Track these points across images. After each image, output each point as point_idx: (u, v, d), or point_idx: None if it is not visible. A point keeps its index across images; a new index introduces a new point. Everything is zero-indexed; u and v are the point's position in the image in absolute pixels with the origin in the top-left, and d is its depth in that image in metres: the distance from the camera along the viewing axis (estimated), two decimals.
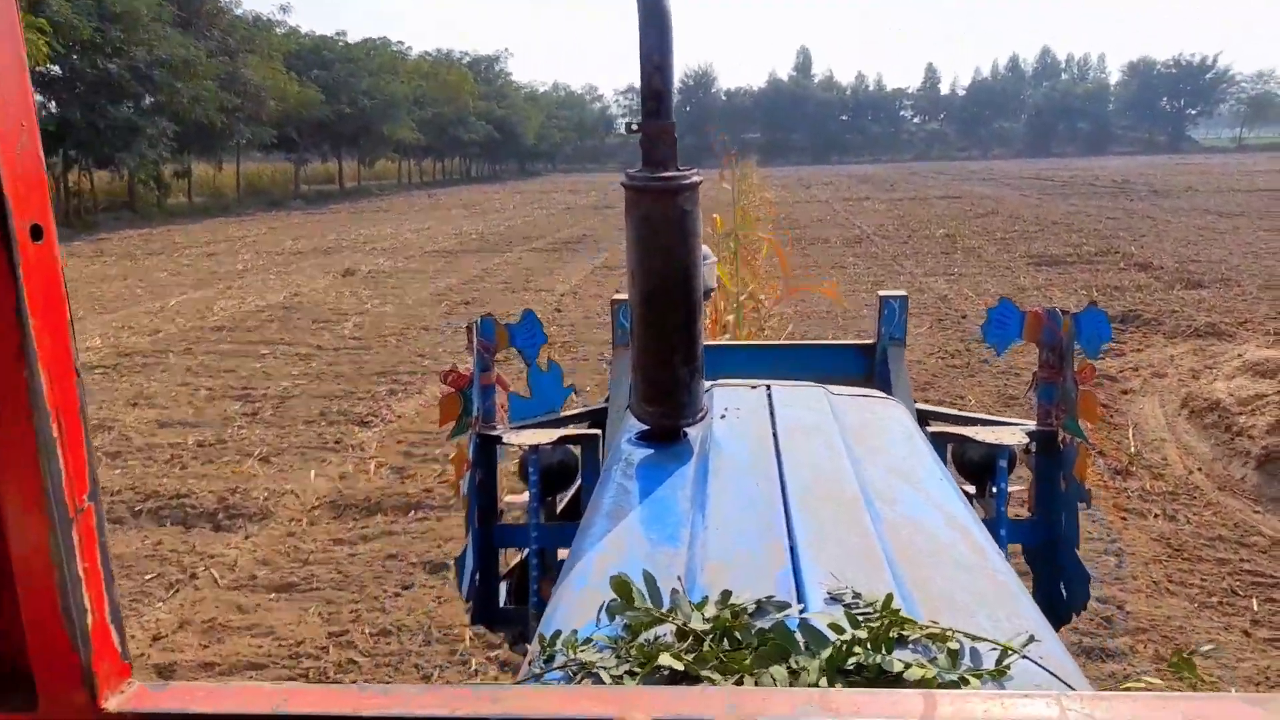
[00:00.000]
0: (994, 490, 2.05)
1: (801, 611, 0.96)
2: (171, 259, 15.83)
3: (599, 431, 2.24)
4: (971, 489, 2.19)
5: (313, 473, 4.98)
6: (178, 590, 3.69)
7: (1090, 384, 2.03)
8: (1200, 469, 4.69)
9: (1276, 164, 42.54)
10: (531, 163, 72.37)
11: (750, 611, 0.93)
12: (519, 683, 0.94)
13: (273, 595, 3.65)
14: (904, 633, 0.89)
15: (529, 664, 0.99)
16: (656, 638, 0.90)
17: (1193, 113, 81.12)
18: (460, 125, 48.58)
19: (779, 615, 0.93)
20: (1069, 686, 0.88)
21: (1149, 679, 1.52)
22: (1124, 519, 4.05)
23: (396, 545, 4.05)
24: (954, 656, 0.85)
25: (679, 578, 1.07)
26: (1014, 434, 2.06)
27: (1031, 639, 0.89)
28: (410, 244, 17.64)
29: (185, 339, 8.69)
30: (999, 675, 0.84)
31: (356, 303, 10.66)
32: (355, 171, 44.96)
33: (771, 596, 0.96)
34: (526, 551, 2.19)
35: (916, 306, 9.44)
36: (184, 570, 3.86)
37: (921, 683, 0.79)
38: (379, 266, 13.98)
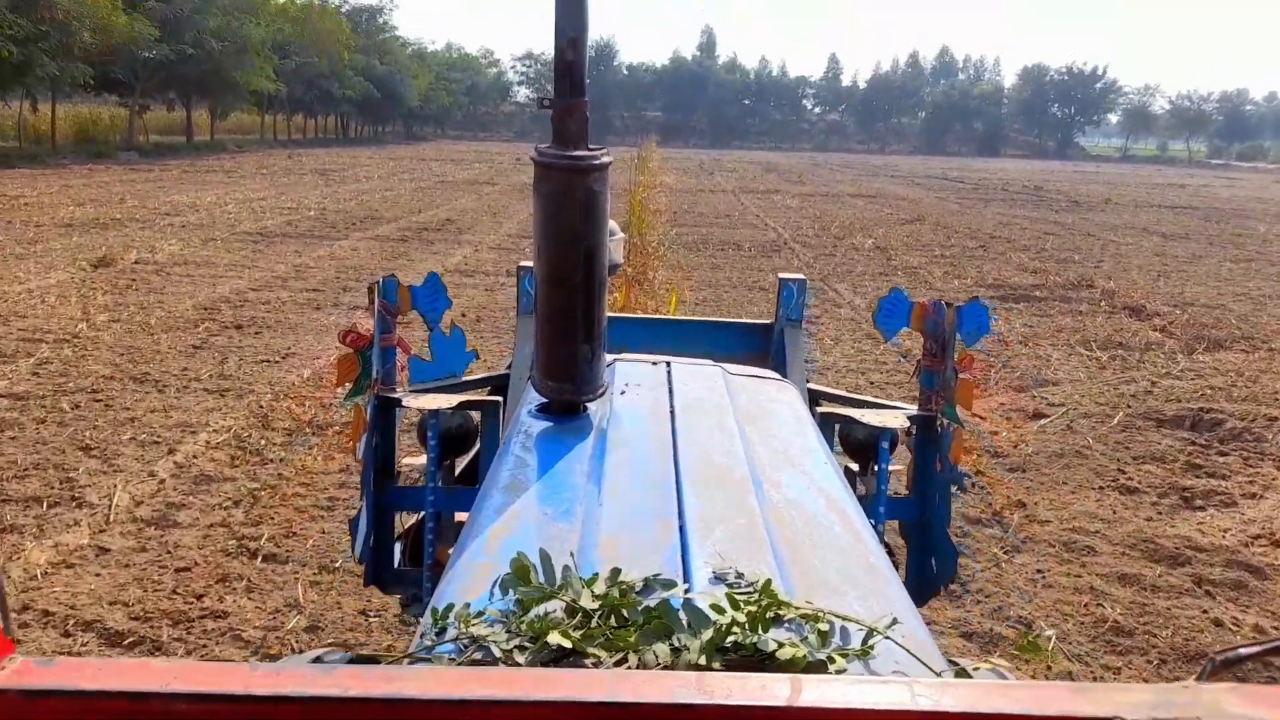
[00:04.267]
0: (876, 469, 2.13)
1: (686, 591, 0.99)
2: None
3: (500, 399, 2.20)
4: (855, 467, 2.29)
5: None
6: None
7: (968, 373, 2.09)
8: None
9: (1168, 177, 42.62)
10: (419, 126, 67.56)
11: (638, 589, 0.97)
12: (411, 653, 0.95)
13: None
14: (780, 613, 0.92)
15: (420, 636, 0.98)
16: (547, 613, 0.92)
17: (1081, 120, 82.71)
18: (333, 79, 43.82)
19: (665, 594, 0.96)
20: (927, 665, 0.92)
21: (997, 660, 1.11)
22: None
23: None
24: (824, 637, 0.90)
25: (571, 553, 1.09)
26: (896, 417, 2.15)
27: (895, 621, 0.94)
28: (225, 219, 14.04)
29: None
30: (864, 655, 0.88)
31: (76, 317, 7.27)
32: (209, 123, 39.79)
33: (659, 575, 1.00)
34: (423, 514, 2.13)
35: (874, 369, 6.77)
36: None
37: (792, 662, 0.83)
38: (158, 254, 10.46)
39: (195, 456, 4.49)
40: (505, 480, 1.39)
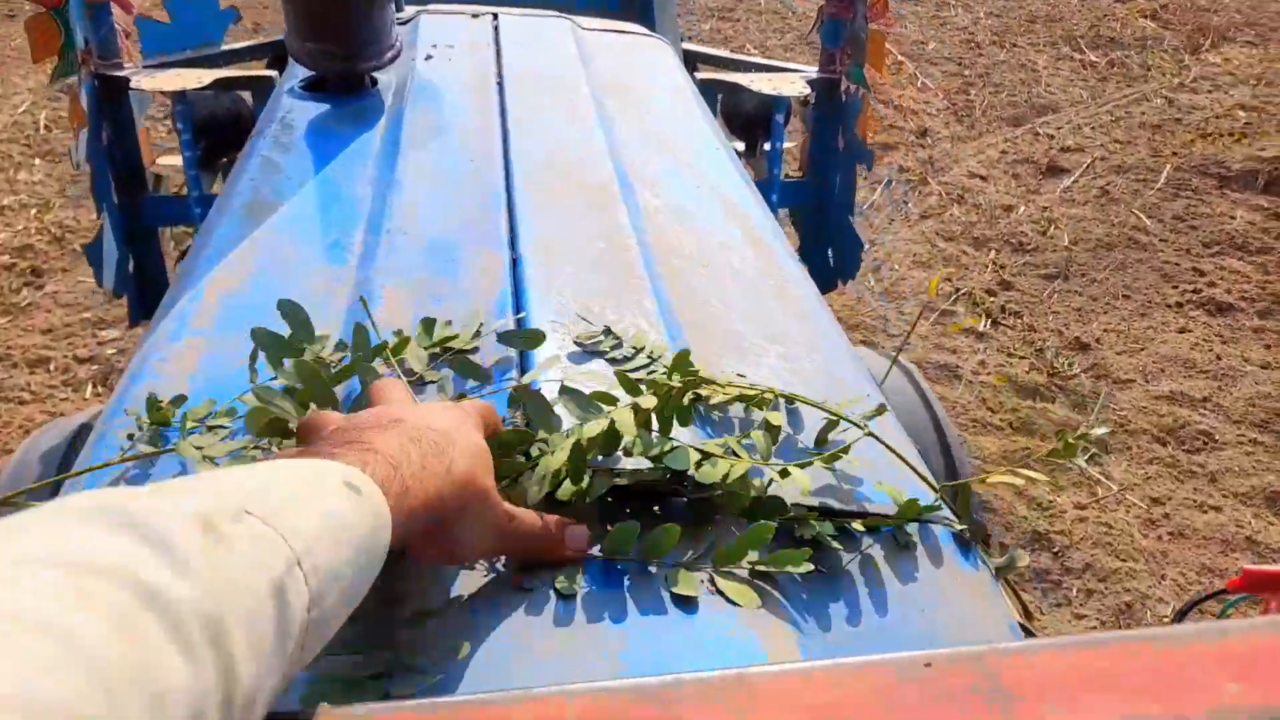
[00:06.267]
0: (766, 148, 1.84)
1: (526, 372, 0.67)
2: None
3: (275, 73, 1.62)
4: (741, 146, 1.97)
5: None
6: None
7: (882, 23, 1.70)
8: None
9: None
10: None
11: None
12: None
13: None
14: (698, 391, 0.62)
15: (130, 438, 0.64)
16: None
17: None
18: None
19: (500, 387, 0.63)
20: (912, 467, 0.64)
21: (1032, 473, 0.63)
22: None
23: None
24: (774, 434, 0.60)
25: (350, 317, 0.72)
26: (794, 83, 1.80)
27: (881, 408, 0.65)
28: None
29: None
30: (830, 461, 0.59)
31: None
32: None
33: (482, 328, 0.69)
34: (195, 228, 1.64)
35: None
36: None
37: (735, 497, 0.55)
38: None
39: None
40: (245, 196, 0.95)
